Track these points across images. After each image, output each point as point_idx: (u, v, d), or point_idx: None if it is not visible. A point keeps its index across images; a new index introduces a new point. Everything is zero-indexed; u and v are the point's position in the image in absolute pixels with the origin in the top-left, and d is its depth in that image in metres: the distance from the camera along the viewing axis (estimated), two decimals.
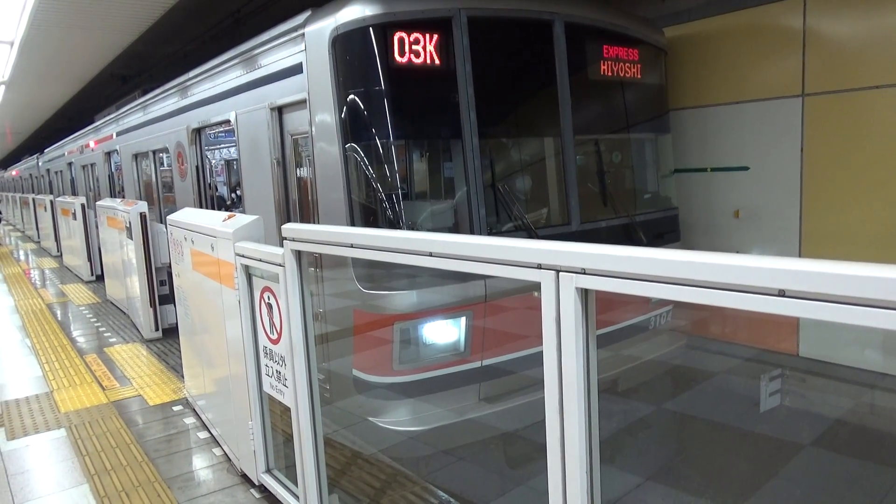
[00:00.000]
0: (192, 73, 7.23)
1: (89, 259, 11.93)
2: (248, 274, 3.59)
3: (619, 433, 4.54)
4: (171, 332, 7.44)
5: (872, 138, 5.20)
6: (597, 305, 1.75)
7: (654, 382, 5.63)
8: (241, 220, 3.72)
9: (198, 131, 7.14)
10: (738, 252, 6.01)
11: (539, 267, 1.78)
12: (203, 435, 4.75)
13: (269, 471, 3.78)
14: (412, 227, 4.40)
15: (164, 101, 8.48)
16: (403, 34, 4.23)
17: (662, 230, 5.79)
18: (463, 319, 4.47)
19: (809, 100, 5.56)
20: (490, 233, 4.53)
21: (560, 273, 1.72)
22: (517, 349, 4.61)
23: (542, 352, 1.81)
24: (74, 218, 12.17)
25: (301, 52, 4.70)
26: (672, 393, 5.65)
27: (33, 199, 20.30)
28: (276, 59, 5.15)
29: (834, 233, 5.51)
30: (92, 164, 14.00)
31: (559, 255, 1.73)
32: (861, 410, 5.24)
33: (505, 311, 4.54)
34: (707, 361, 6.05)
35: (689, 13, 6.38)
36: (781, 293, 1.31)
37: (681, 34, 6.41)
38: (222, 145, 7.19)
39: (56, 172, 19.93)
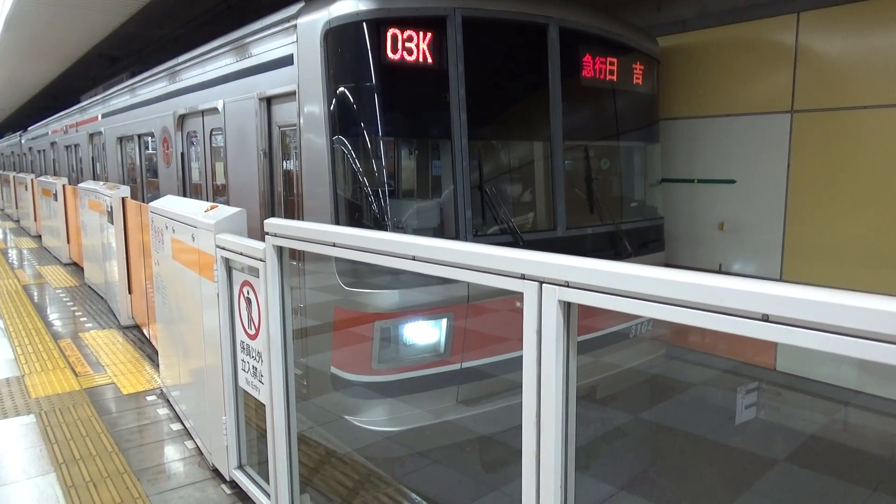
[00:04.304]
0: (181, 59, 7.12)
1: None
2: (229, 267, 3.53)
3: (595, 441, 4.54)
4: None
5: (858, 157, 5.24)
6: (578, 311, 1.73)
7: (631, 391, 5.65)
8: (223, 211, 3.66)
9: (184, 117, 7.05)
10: (720, 264, 6.03)
11: (522, 277, 1.75)
12: (176, 427, 4.68)
13: (241, 467, 3.72)
14: (397, 225, 4.37)
15: (151, 85, 8.36)
16: (397, 31, 4.19)
17: (647, 239, 5.80)
18: (444, 321, 4.44)
19: (798, 116, 5.59)
20: (475, 235, 4.50)
21: (543, 285, 1.70)
22: (498, 352, 4.59)
23: (522, 356, 1.79)
24: (55, 199, 11.97)
25: (292, 44, 4.64)
26: (649, 402, 5.67)
27: (14, 178, 19.96)
28: (266, 49, 5.08)
29: (816, 249, 5.56)
30: (76, 145, 13.79)
31: (543, 266, 1.70)
32: (835, 427, 5.29)
33: (487, 313, 4.52)
34: (685, 372, 6.08)
35: (683, 24, 6.40)
36: (765, 318, 1.29)
37: (675, 44, 6.43)
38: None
39: (39, 151, 19.63)
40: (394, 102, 4.41)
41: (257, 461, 3.71)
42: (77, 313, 8.19)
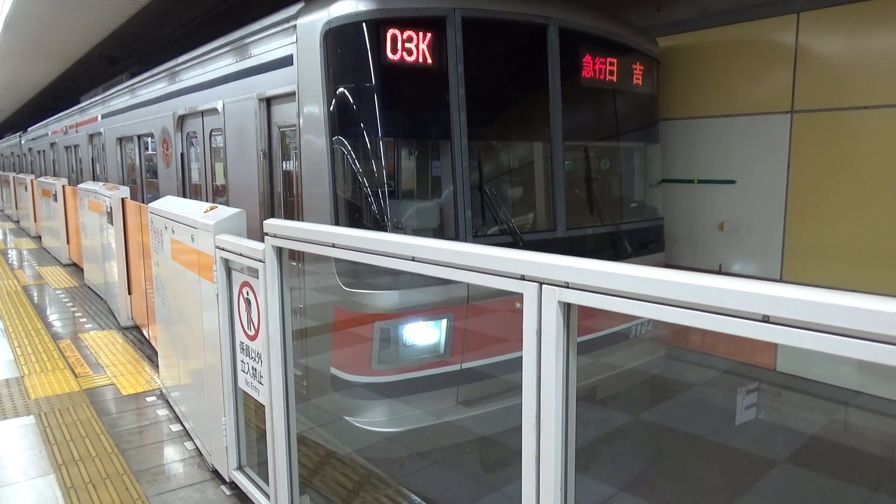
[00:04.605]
0: (180, 59, 7.12)
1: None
2: (228, 268, 3.53)
3: (596, 442, 4.54)
4: None
5: (858, 158, 5.24)
6: (578, 312, 1.73)
7: (632, 392, 5.64)
8: (222, 212, 3.66)
9: (184, 118, 7.05)
10: (720, 265, 6.01)
11: (522, 278, 1.75)
12: (175, 427, 4.67)
13: (240, 468, 3.72)
14: (397, 226, 4.36)
15: (151, 86, 8.35)
16: (396, 31, 4.18)
17: (647, 240, 5.80)
18: (444, 321, 4.44)
19: (798, 117, 5.59)
20: (475, 236, 4.50)
21: (543, 286, 1.69)
22: (498, 353, 4.59)
23: (521, 357, 1.78)
24: (55, 199, 11.97)
25: (292, 44, 4.64)
26: (649, 403, 5.66)
27: (14, 178, 19.96)
28: (266, 49, 5.08)
29: (816, 249, 5.55)
30: (75, 146, 13.79)
31: (543, 267, 1.70)
32: (835, 427, 5.29)
33: (487, 314, 4.51)
34: (685, 372, 6.08)
35: (683, 24, 6.40)
36: (765, 319, 1.29)
37: (674, 44, 6.43)
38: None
39: (38, 152, 19.64)
40: (393, 103, 4.41)
41: (257, 462, 3.71)
42: (77, 314, 8.18)
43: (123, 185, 8.88)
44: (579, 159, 5.37)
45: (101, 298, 8.85)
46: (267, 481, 3.32)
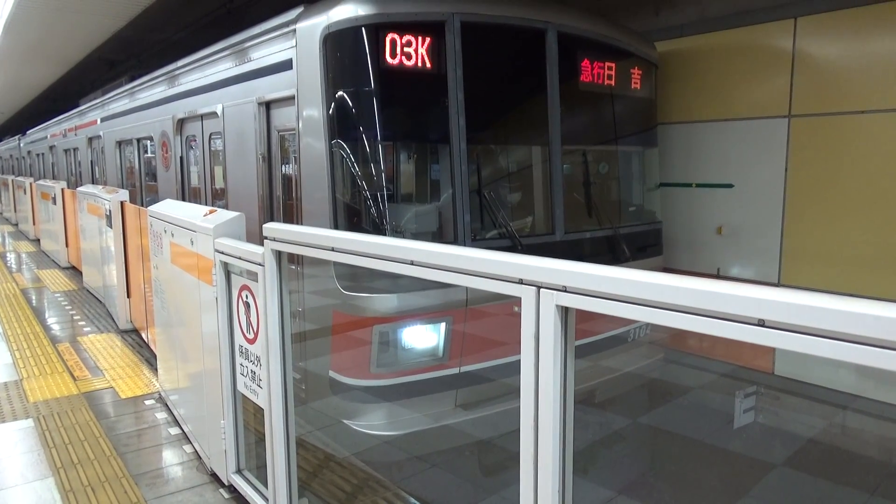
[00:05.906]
0: (180, 63, 7.14)
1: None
2: (227, 271, 3.53)
3: (593, 445, 4.54)
4: None
5: (855, 162, 5.26)
6: (575, 315, 1.74)
7: (630, 395, 5.65)
8: (222, 215, 3.67)
9: (183, 121, 7.06)
10: (718, 268, 6.00)
11: (520, 282, 1.76)
12: (174, 431, 4.67)
13: (239, 471, 3.72)
14: (396, 229, 4.37)
15: (150, 90, 8.37)
16: (396, 35, 4.20)
17: (646, 243, 5.81)
18: (442, 325, 4.45)
19: (795, 121, 5.61)
20: (474, 239, 4.51)
21: (541, 289, 1.70)
22: (496, 356, 4.59)
23: (520, 360, 1.79)
24: (54, 202, 11.97)
25: (291, 48, 4.66)
26: (647, 406, 5.67)
27: (12, 181, 19.95)
28: (265, 53, 5.10)
29: (814, 252, 5.57)
30: (75, 149, 13.80)
31: (541, 271, 1.71)
32: (833, 431, 5.29)
33: (485, 317, 4.52)
34: (683, 376, 6.08)
35: (681, 28, 6.42)
36: (761, 323, 1.30)
37: (672, 49, 6.45)
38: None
39: (37, 155, 19.64)
40: (392, 107, 4.42)
41: (256, 465, 3.71)
42: (75, 317, 8.18)
43: (122, 188, 8.88)
44: (577, 163, 5.38)
45: (100, 302, 8.84)
46: (266, 485, 3.33)
